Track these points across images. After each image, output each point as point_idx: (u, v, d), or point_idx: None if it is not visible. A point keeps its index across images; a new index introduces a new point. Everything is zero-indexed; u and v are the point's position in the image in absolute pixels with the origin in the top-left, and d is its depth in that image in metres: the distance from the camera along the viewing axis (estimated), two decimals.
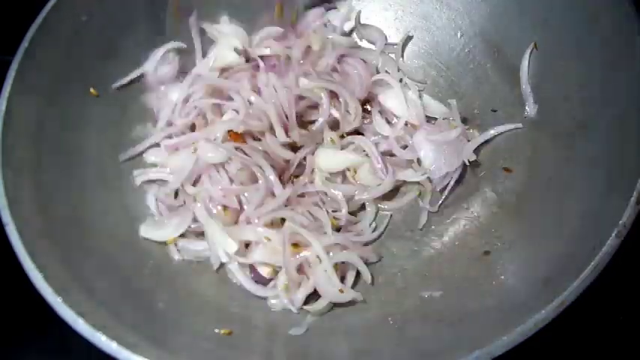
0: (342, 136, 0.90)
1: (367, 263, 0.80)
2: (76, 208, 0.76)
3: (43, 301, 0.60)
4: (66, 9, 0.80)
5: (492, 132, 0.88)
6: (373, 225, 0.87)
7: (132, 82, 0.91)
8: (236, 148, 0.82)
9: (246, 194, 0.82)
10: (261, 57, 0.93)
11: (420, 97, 0.94)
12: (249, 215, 0.80)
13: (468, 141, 0.87)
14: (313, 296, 0.77)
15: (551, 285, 0.61)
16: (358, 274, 0.80)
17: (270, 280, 0.79)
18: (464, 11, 0.95)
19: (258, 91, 0.87)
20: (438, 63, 0.98)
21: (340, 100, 0.88)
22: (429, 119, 0.93)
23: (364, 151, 0.88)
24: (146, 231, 0.82)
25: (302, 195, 0.85)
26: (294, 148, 0.87)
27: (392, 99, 0.92)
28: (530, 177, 0.81)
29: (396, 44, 1.00)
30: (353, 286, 0.79)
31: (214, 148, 0.82)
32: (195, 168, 0.84)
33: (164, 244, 0.82)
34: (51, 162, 0.76)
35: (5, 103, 0.72)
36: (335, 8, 1.02)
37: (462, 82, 0.96)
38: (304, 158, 0.87)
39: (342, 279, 0.78)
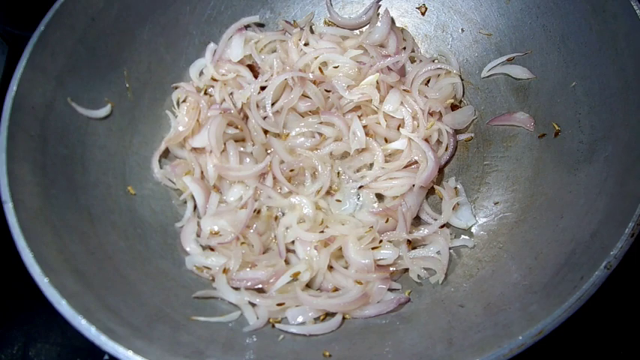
0: None
1: None
2: (77, 192, 0.77)
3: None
4: None
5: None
6: None
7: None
8: None
9: None
10: None
11: None
12: None
13: None
14: None
15: (535, 310, 0.60)
16: None
17: None
18: (481, 23, 0.94)
19: None
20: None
21: None
22: None
23: None
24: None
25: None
26: None
27: None
28: (530, 198, 0.80)
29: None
30: None
31: None
32: None
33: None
34: (56, 145, 0.77)
35: (17, 83, 0.73)
36: None
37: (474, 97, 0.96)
38: None
39: None
